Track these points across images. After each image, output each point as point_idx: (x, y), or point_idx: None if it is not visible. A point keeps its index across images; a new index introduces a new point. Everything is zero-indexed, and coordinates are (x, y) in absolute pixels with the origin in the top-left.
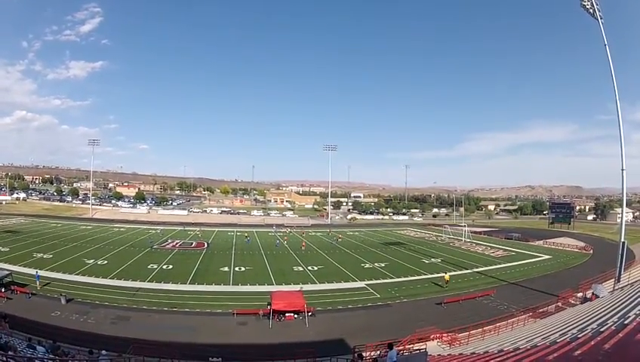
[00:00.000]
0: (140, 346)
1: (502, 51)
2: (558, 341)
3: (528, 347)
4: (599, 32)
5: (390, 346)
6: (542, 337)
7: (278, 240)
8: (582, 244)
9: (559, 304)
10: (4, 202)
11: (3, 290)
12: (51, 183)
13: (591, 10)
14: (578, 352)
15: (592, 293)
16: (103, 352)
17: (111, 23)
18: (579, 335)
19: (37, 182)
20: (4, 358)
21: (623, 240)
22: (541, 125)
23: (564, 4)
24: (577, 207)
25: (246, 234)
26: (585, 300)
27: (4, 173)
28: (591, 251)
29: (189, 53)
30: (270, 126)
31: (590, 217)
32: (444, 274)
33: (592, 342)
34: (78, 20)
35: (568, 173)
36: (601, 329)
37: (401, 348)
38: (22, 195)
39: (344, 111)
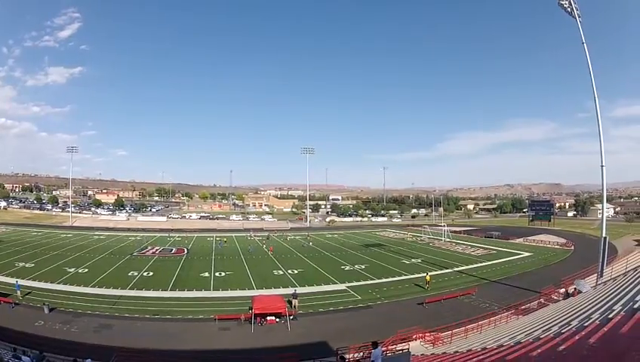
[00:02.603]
0: (123, 354)
1: (480, 51)
2: (541, 337)
3: (512, 344)
4: (577, 31)
5: (375, 344)
6: (525, 334)
7: (250, 246)
8: (563, 241)
9: (542, 300)
10: None
11: None
12: (31, 191)
13: (569, 9)
14: (562, 347)
15: (575, 289)
16: (88, 361)
17: (90, 29)
18: (562, 331)
19: (17, 190)
20: None
21: (604, 235)
22: (519, 124)
23: (541, 4)
24: (557, 204)
25: (225, 239)
26: (567, 296)
27: None
28: (572, 247)
29: (166, 58)
30: (247, 130)
31: (570, 214)
32: (425, 275)
33: (577, 337)
34: (57, 26)
35: (547, 170)
36: (585, 324)
37: (384, 348)
38: (2, 204)
39: (321, 114)
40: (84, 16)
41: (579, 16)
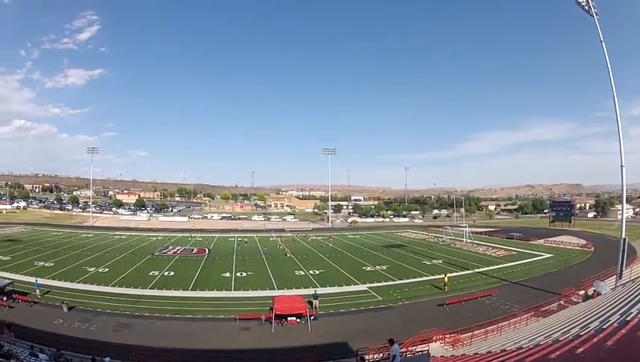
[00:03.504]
0: (142, 353)
1: (498, 51)
2: (560, 339)
3: (531, 346)
4: (595, 29)
5: (391, 341)
6: (545, 336)
7: (266, 247)
8: (583, 242)
9: (561, 302)
10: (4, 211)
11: (5, 299)
12: (51, 192)
13: (586, 7)
14: (581, 350)
15: (594, 291)
16: (106, 359)
17: (109, 31)
18: (581, 333)
19: (37, 190)
20: None
21: (624, 236)
22: (539, 124)
23: (559, 2)
24: (578, 205)
25: (246, 240)
26: (587, 298)
27: (3, 183)
28: (592, 249)
29: (186, 59)
30: (269, 130)
31: (591, 215)
32: (443, 276)
33: (595, 340)
34: (75, 28)
35: (568, 171)
36: (604, 327)
37: (403, 349)
38: (22, 204)
39: (343, 115)
40: (103, 18)
41: (596, 14)
